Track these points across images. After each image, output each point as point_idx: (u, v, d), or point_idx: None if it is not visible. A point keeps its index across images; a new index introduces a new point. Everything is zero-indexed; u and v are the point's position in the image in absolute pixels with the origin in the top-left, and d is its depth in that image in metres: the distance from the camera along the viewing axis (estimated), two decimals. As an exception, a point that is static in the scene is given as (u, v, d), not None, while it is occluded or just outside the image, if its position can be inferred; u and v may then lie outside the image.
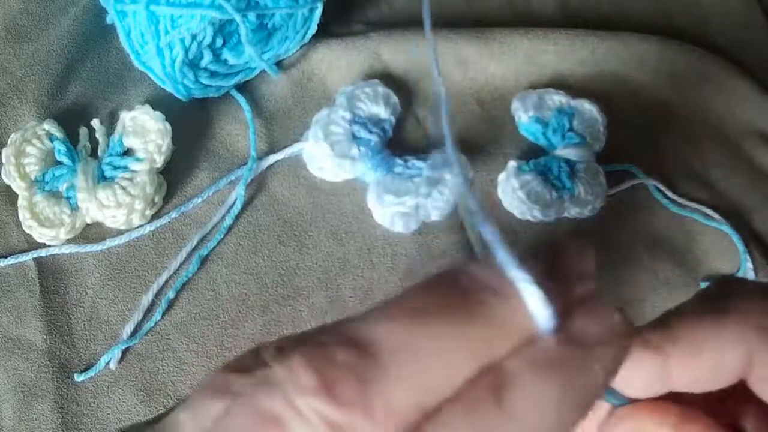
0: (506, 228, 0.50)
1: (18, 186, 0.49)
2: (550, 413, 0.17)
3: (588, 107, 0.52)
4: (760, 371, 0.23)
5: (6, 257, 0.48)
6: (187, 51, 0.48)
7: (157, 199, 0.49)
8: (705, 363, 0.23)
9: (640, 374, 0.23)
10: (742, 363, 0.23)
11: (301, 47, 0.53)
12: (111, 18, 0.51)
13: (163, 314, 0.47)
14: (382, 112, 0.51)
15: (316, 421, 0.16)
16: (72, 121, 0.51)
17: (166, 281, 0.48)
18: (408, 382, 0.17)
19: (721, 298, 0.24)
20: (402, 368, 0.17)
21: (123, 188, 0.48)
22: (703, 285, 0.50)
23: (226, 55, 0.51)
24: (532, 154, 0.52)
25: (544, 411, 0.17)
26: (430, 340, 0.17)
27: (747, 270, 0.50)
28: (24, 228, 0.48)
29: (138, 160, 0.49)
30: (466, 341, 0.18)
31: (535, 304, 0.19)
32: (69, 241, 0.49)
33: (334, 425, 0.16)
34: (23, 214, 0.48)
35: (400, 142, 0.52)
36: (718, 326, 0.23)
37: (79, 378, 0.45)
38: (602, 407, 0.25)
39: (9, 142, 0.49)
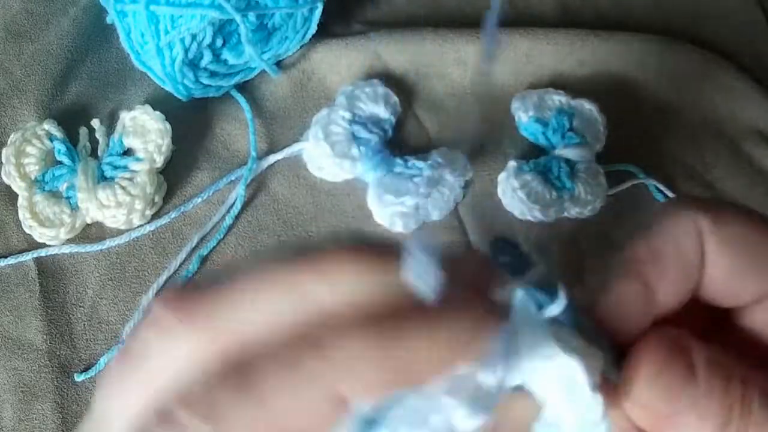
0: (506, 228, 0.50)
1: (18, 186, 0.49)
2: (369, 367, 0.18)
3: (588, 107, 0.52)
4: (711, 252, 0.23)
5: (6, 257, 0.48)
6: (187, 51, 0.48)
7: (157, 199, 0.49)
8: (671, 259, 0.23)
9: (629, 308, 0.23)
10: (698, 247, 0.23)
11: (301, 47, 0.53)
12: (111, 18, 0.51)
13: (163, 314, 0.47)
14: (382, 112, 0.51)
15: (149, 322, 0.20)
16: (72, 121, 0.51)
17: (166, 281, 0.48)
18: (230, 309, 0.19)
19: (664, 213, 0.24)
20: (231, 299, 0.19)
21: (123, 188, 0.48)
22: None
23: (226, 55, 0.51)
24: (532, 154, 0.52)
25: (363, 363, 0.18)
26: (260, 282, 0.19)
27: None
28: (24, 228, 0.48)
29: (138, 160, 0.49)
30: (291, 285, 0.19)
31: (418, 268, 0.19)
32: (69, 241, 0.49)
33: (161, 324, 0.19)
34: (23, 214, 0.48)
35: (400, 142, 0.52)
36: (672, 224, 0.24)
37: (79, 378, 0.45)
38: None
39: (9, 142, 0.49)
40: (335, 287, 0.19)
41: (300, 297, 0.19)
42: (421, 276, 0.19)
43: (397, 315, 0.18)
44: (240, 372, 0.18)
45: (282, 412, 0.18)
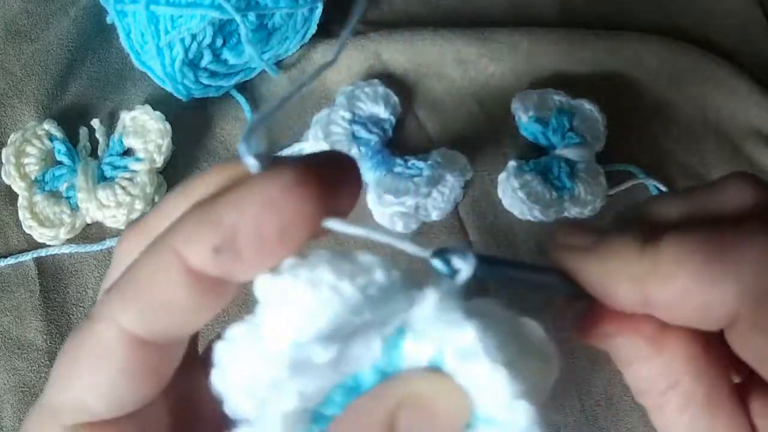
0: (506, 228, 0.50)
1: (18, 186, 0.49)
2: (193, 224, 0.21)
3: (588, 107, 0.52)
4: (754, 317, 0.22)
5: (6, 257, 0.48)
6: (187, 51, 0.48)
7: (157, 198, 0.49)
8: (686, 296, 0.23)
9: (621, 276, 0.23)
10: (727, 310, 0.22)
11: (301, 47, 0.53)
12: (111, 18, 0.51)
13: (163, 314, 0.47)
14: (382, 112, 0.51)
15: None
16: (72, 121, 0.51)
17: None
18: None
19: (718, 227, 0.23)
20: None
21: (123, 188, 0.48)
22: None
23: (226, 55, 0.51)
24: (532, 154, 0.52)
25: (190, 222, 0.21)
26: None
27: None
28: (24, 228, 0.48)
29: (138, 160, 0.49)
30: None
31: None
32: (69, 241, 0.49)
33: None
34: (23, 214, 0.48)
35: (400, 142, 0.52)
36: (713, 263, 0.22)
37: (79, 378, 0.45)
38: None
39: (9, 142, 0.49)
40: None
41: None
42: (248, 148, 0.21)
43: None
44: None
45: (142, 273, 0.21)
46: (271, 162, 0.21)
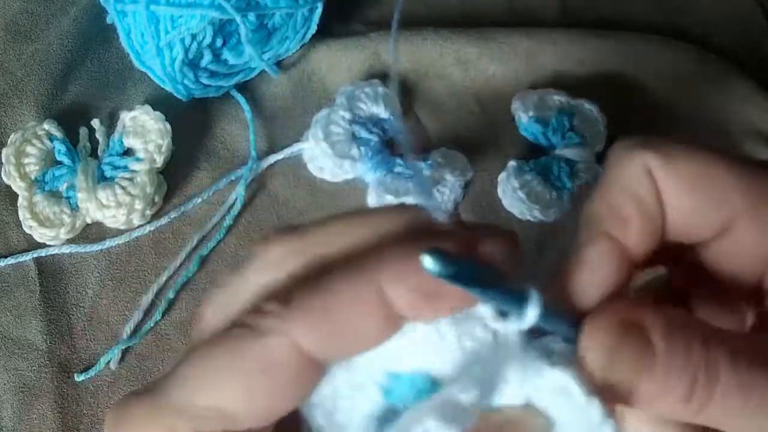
0: (506, 228, 0.50)
1: (18, 186, 0.49)
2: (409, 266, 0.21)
3: (588, 107, 0.52)
4: (667, 192, 0.23)
5: (6, 257, 0.48)
6: (187, 51, 0.48)
7: (157, 199, 0.49)
8: (631, 208, 0.23)
9: (604, 270, 0.23)
10: (653, 189, 0.23)
11: (301, 47, 0.53)
12: (111, 18, 0.51)
13: (163, 314, 0.47)
14: (382, 112, 0.51)
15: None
16: (72, 121, 0.51)
17: (166, 281, 0.48)
18: (316, 233, 0.23)
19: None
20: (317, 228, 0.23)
21: (123, 188, 0.48)
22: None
23: (226, 55, 0.51)
24: (532, 154, 0.52)
25: (404, 262, 0.21)
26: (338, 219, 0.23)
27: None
28: (24, 228, 0.48)
29: (138, 160, 0.49)
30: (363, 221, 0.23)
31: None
32: (69, 241, 0.49)
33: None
34: (23, 214, 0.48)
35: (399, 143, 0.52)
36: (623, 171, 0.24)
37: (79, 378, 0.45)
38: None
39: (9, 142, 0.49)
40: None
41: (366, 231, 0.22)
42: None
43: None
44: (315, 274, 0.22)
45: (338, 300, 0.21)
46: (456, 217, 0.22)
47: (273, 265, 0.23)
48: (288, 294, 0.21)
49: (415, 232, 0.22)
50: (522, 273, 0.22)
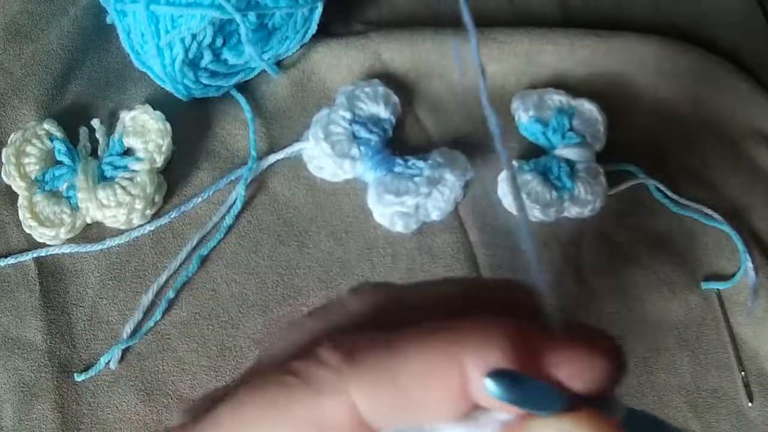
0: (506, 228, 0.50)
1: (18, 186, 0.49)
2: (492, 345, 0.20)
3: (588, 107, 0.52)
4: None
5: (6, 257, 0.48)
6: (187, 51, 0.48)
7: (157, 198, 0.49)
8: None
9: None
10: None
11: (301, 47, 0.53)
12: (111, 18, 0.51)
13: (163, 314, 0.47)
14: (382, 112, 0.51)
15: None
16: (72, 121, 0.51)
17: (166, 281, 0.48)
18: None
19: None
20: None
21: (123, 188, 0.48)
22: (704, 285, 0.50)
23: (226, 55, 0.51)
24: (532, 154, 0.52)
25: (488, 342, 0.20)
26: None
27: (747, 269, 0.50)
28: (24, 228, 0.48)
29: (138, 159, 0.49)
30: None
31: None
32: (69, 241, 0.49)
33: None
34: (23, 214, 0.48)
35: (400, 142, 0.52)
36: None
37: (79, 378, 0.45)
38: None
39: (9, 142, 0.49)
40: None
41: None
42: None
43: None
44: (385, 330, 0.20)
45: (411, 370, 0.19)
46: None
47: (348, 313, 0.21)
48: (353, 345, 0.20)
49: (514, 321, 0.20)
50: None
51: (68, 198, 0.49)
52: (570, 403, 0.19)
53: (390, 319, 0.20)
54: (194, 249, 0.49)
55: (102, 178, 0.49)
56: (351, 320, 0.22)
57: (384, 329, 0.20)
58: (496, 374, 0.18)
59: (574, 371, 0.19)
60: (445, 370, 0.19)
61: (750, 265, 0.50)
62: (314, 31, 0.53)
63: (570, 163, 0.50)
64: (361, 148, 0.49)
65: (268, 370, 0.20)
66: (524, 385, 0.18)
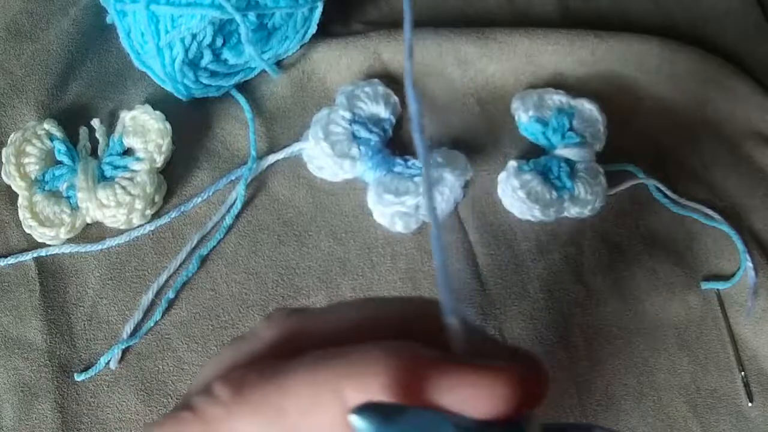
0: (506, 228, 0.50)
1: (18, 186, 0.49)
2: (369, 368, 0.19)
3: (588, 107, 0.52)
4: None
5: (6, 257, 0.48)
6: (187, 51, 0.48)
7: (157, 198, 0.49)
8: None
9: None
10: None
11: (301, 47, 0.53)
12: (111, 18, 0.51)
13: (163, 314, 0.47)
14: (382, 112, 0.51)
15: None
16: (72, 120, 0.51)
17: (166, 281, 0.48)
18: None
19: None
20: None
21: (123, 188, 0.48)
22: (704, 285, 0.50)
23: (226, 54, 0.51)
24: (532, 154, 0.52)
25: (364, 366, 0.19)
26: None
27: (747, 269, 0.50)
28: (24, 228, 0.48)
29: (138, 159, 0.49)
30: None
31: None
32: (69, 241, 0.49)
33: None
34: (23, 214, 0.48)
35: (400, 142, 0.52)
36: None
37: (79, 378, 0.45)
38: None
39: (9, 141, 0.49)
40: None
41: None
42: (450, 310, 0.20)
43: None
44: (272, 364, 0.20)
45: (294, 403, 0.19)
46: (466, 324, 0.19)
47: (268, 344, 0.21)
48: (242, 378, 0.20)
49: (405, 344, 0.19)
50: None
51: (68, 198, 0.49)
52: (470, 428, 0.18)
53: (298, 346, 0.20)
54: (194, 249, 0.49)
55: (102, 178, 0.49)
56: (263, 349, 0.21)
57: (291, 357, 0.20)
58: (366, 408, 0.17)
59: (468, 395, 0.18)
60: (327, 402, 0.19)
61: (750, 265, 0.50)
62: (314, 31, 0.53)
63: (570, 163, 0.50)
64: (361, 148, 0.49)
65: (178, 404, 0.21)
66: (403, 416, 0.17)
